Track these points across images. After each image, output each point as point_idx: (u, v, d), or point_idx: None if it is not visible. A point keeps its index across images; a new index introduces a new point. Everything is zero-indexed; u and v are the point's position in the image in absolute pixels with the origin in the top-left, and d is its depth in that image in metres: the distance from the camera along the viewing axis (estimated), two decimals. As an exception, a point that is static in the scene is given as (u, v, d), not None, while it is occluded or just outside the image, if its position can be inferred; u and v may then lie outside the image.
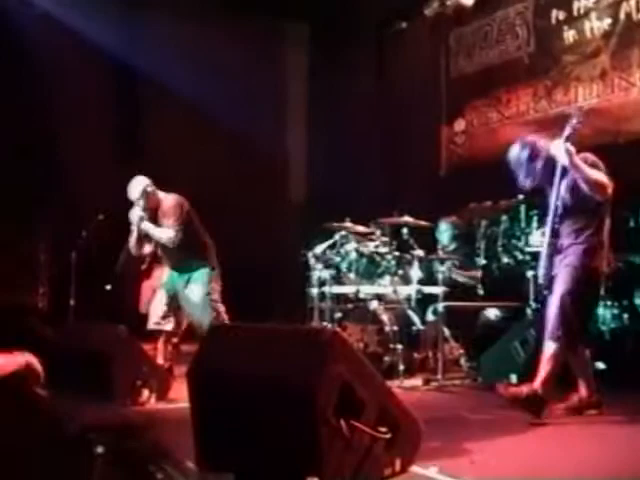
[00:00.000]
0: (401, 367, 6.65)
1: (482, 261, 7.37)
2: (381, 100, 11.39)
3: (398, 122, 11.03)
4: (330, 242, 7.60)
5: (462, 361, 7.03)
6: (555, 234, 5.04)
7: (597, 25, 8.62)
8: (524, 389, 4.89)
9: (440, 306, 6.87)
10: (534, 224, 7.03)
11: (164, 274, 9.02)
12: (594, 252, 5.02)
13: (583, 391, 5.14)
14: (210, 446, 3.41)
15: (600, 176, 4.94)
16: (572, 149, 4.93)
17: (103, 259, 10.40)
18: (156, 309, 6.91)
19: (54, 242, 9.50)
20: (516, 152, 5.29)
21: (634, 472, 3.74)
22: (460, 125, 10.32)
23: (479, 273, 7.50)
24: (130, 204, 7.03)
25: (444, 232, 8.00)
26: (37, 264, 9.64)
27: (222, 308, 6.72)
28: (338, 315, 7.29)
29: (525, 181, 5.28)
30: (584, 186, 4.92)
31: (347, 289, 7.45)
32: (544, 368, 4.94)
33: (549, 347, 4.97)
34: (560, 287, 4.99)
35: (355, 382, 3.17)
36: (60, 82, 10.21)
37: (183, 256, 6.93)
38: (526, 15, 9.49)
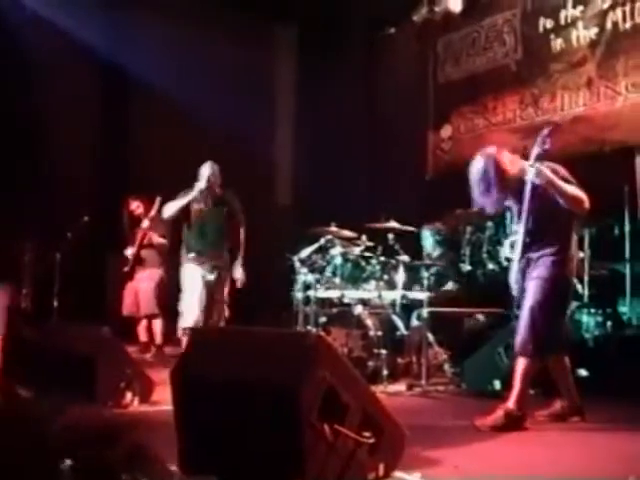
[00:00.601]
0: (385, 372, 6.65)
1: (467, 267, 7.38)
2: (368, 105, 11.42)
3: (385, 127, 11.06)
4: (316, 246, 7.60)
5: (446, 367, 7.03)
6: (526, 249, 5.02)
7: (584, 34, 8.67)
8: (499, 413, 4.88)
9: (424, 311, 6.88)
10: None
11: (147, 276, 9.04)
12: (563, 263, 5.02)
13: (566, 399, 5.16)
14: (193, 449, 3.40)
15: (577, 191, 4.92)
16: (544, 169, 4.87)
17: (87, 260, 10.42)
18: (193, 307, 7.43)
19: (38, 243, 9.45)
20: (478, 167, 5.14)
21: (615, 477, 3.75)
22: (447, 131, 10.35)
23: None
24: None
25: (427, 239, 8.00)
26: (21, 264, 9.59)
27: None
28: (323, 319, 7.28)
29: (484, 201, 5.20)
30: (562, 201, 4.91)
31: (332, 293, 7.45)
32: (517, 386, 4.96)
33: (521, 363, 4.98)
34: (529, 299, 4.99)
35: (339, 386, 3.17)
36: (46, 83, 10.18)
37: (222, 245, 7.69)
38: (514, 23, 9.54)
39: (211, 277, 7.52)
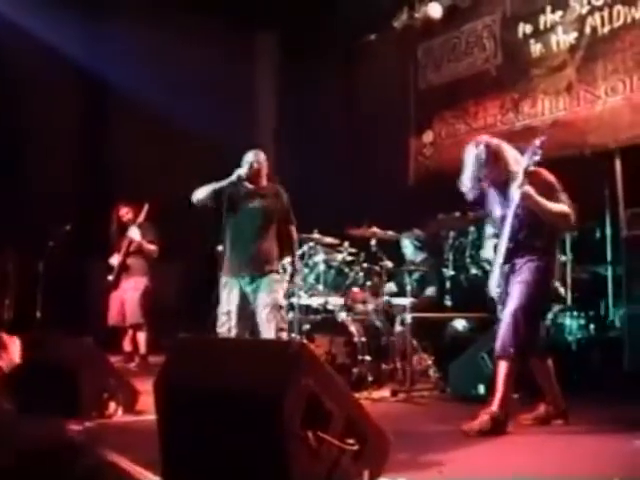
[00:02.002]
0: (369, 378, 6.66)
1: (450, 272, 7.40)
2: (350, 111, 11.44)
3: (367, 133, 11.08)
4: (298, 253, 7.60)
5: (430, 372, 7.04)
6: (510, 255, 5.03)
7: (563, 39, 8.73)
8: (485, 418, 4.88)
9: (408, 317, 6.89)
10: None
11: (132, 285, 9.00)
12: (547, 268, 5.05)
13: (550, 402, 5.18)
14: (177, 459, 3.38)
15: (561, 208, 4.95)
16: (532, 193, 4.87)
17: (70, 269, 10.38)
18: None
19: (20, 252, 9.40)
20: (475, 152, 5.19)
21: (600, 478, 3.76)
22: (428, 137, 10.39)
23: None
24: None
25: (407, 247, 8.04)
26: (3, 274, 9.55)
27: None
28: (306, 327, 7.28)
29: (470, 187, 5.21)
30: (548, 220, 4.95)
31: (315, 300, 7.45)
32: (499, 389, 4.98)
33: (502, 366, 5.00)
34: (512, 303, 5.00)
35: (322, 394, 3.17)
36: (27, 94, 10.16)
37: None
38: (493, 28, 9.59)
39: (249, 290, 6.44)
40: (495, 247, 5.26)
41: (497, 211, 5.22)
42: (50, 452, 2.52)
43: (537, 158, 4.93)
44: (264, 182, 6.75)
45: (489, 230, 5.47)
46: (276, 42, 12.58)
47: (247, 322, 6.44)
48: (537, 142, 4.99)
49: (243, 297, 6.44)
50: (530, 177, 4.93)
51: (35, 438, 2.69)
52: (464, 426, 4.88)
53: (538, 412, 5.21)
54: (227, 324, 6.38)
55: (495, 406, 4.93)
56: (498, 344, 5.02)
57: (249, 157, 6.61)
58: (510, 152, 5.21)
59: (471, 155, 5.20)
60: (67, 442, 2.77)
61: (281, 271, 6.68)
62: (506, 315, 5.02)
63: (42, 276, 8.79)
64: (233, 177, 6.48)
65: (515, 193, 4.90)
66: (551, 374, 5.21)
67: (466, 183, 5.22)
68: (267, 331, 6.31)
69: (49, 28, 9.83)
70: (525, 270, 5.03)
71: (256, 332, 6.44)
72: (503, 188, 5.14)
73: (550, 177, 5.10)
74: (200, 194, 6.58)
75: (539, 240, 5.05)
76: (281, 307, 6.46)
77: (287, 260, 6.89)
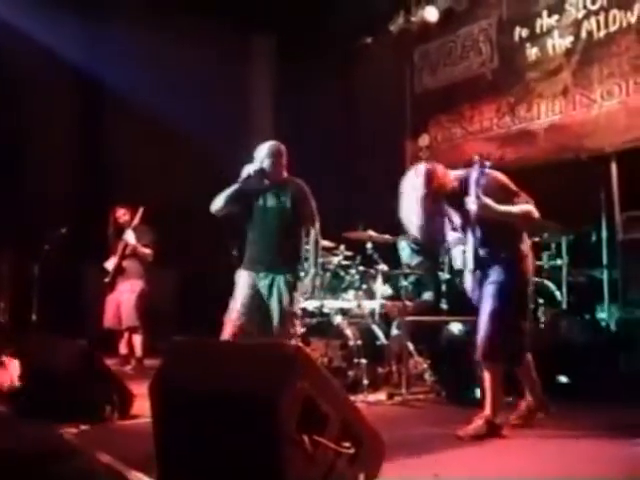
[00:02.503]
0: (365, 382, 6.65)
1: (446, 276, 7.40)
2: (346, 114, 11.44)
3: (363, 136, 11.09)
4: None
5: (426, 375, 7.03)
6: (479, 261, 5.00)
7: (559, 43, 8.75)
8: (479, 422, 4.90)
9: (404, 320, 6.88)
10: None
11: (129, 288, 9.00)
12: (518, 265, 5.04)
13: (530, 397, 5.22)
14: (173, 462, 3.38)
15: (522, 208, 4.92)
16: (488, 202, 4.81)
17: (66, 272, 10.36)
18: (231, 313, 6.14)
19: (16, 255, 9.39)
20: (414, 183, 5.15)
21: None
22: (424, 140, 10.40)
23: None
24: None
25: (404, 249, 8.03)
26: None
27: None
28: (302, 330, 7.27)
29: (420, 231, 5.19)
30: (512, 222, 4.95)
31: (311, 303, 7.44)
32: (488, 393, 5.00)
33: (486, 370, 5.02)
34: (487, 306, 5.00)
35: (318, 397, 3.16)
36: (24, 96, 10.15)
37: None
38: (490, 32, 9.60)
39: (263, 285, 6.09)
40: (464, 253, 5.22)
41: (456, 220, 5.18)
42: (45, 455, 2.51)
43: (483, 182, 4.85)
44: (281, 177, 6.36)
45: (454, 237, 5.45)
46: (273, 44, 12.59)
47: (256, 316, 6.05)
48: (476, 172, 4.88)
49: (256, 291, 6.08)
50: (484, 184, 4.88)
51: (30, 441, 2.68)
52: (459, 431, 4.88)
53: (520, 410, 5.23)
54: (235, 315, 6.01)
55: (488, 410, 4.95)
56: (478, 348, 5.02)
57: (260, 152, 6.25)
58: (440, 170, 5.10)
59: (408, 188, 5.19)
60: (62, 445, 2.76)
61: (302, 274, 6.22)
62: (482, 317, 5.03)
63: (38, 279, 8.78)
64: (243, 176, 6.11)
65: (471, 206, 4.84)
66: (531, 368, 5.20)
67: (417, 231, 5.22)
68: (277, 335, 6.02)
69: (47, 29, 9.81)
70: (496, 271, 5.02)
71: (266, 328, 6.07)
72: (453, 198, 5.07)
73: (503, 179, 5.06)
74: (217, 203, 6.14)
75: (504, 241, 5.04)
76: (293, 313, 6.13)
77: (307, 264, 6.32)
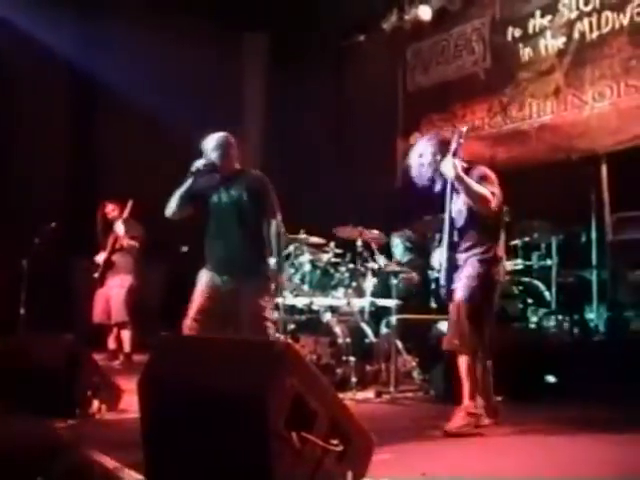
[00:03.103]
0: (354, 379, 6.65)
1: (435, 274, 7.40)
2: (338, 112, 11.44)
3: (355, 134, 11.09)
4: (284, 253, 7.59)
5: (415, 374, 7.04)
6: (453, 247, 5.11)
7: (552, 43, 8.76)
8: (460, 414, 4.96)
9: (393, 319, 6.89)
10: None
11: (118, 283, 8.98)
12: (490, 263, 5.09)
13: (480, 401, 5.17)
14: (160, 458, 3.38)
15: (483, 190, 4.98)
16: (458, 163, 4.98)
17: (55, 267, 10.33)
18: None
19: (5, 249, 9.35)
20: (426, 143, 5.38)
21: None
22: (416, 139, 10.37)
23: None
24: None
25: (396, 246, 8.04)
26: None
27: None
28: (291, 327, 7.27)
29: (420, 177, 5.36)
30: (467, 199, 5.01)
31: (300, 301, 7.44)
32: (464, 384, 5.05)
33: (458, 362, 5.07)
34: (457, 298, 5.07)
35: (307, 394, 3.16)
36: (13, 92, 10.10)
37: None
38: (483, 31, 9.61)
39: (226, 291, 5.62)
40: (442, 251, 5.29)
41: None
42: (36, 449, 2.51)
43: (462, 140, 5.08)
44: (233, 169, 5.89)
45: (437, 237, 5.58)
46: (265, 42, 12.57)
47: (214, 322, 5.55)
48: (461, 130, 5.20)
49: (218, 296, 5.62)
50: (469, 170, 5.08)
51: (20, 435, 2.68)
52: (445, 427, 4.93)
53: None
54: (189, 322, 5.56)
55: (466, 400, 5.01)
56: (445, 339, 5.15)
57: (207, 145, 5.85)
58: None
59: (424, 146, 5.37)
60: (57, 441, 2.76)
61: (272, 273, 5.70)
62: (451, 310, 5.12)
63: (27, 273, 8.75)
64: (192, 172, 5.63)
65: (444, 165, 5.02)
66: (489, 374, 5.22)
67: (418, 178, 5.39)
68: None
69: (41, 27, 9.80)
70: (468, 264, 5.09)
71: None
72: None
73: (487, 171, 5.18)
74: (171, 206, 5.72)
75: (481, 236, 5.10)
76: (264, 318, 5.61)
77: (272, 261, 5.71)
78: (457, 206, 5.12)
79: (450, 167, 4.96)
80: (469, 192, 4.97)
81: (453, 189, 5.07)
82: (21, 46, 9.73)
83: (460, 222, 5.12)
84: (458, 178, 4.95)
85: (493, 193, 5.01)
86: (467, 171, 5.05)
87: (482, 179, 5.06)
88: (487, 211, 5.02)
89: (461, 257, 5.13)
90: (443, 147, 5.20)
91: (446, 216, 5.12)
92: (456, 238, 5.10)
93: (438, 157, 5.18)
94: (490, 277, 5.10)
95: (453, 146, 5.06)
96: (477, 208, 5.02)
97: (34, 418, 4.69)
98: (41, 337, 6.07)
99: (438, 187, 5.25)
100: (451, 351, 5.12)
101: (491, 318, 5.14)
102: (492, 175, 5.16)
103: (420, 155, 5.32)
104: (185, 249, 8.86)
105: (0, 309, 9.27)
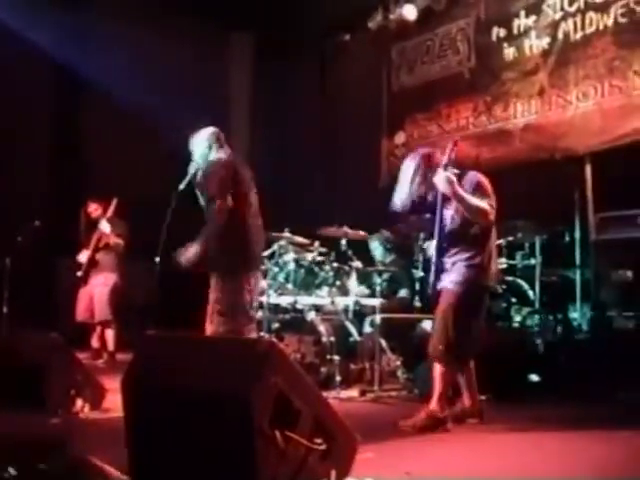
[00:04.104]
0: (338, 378, 6.66)
1: (420, 273, 7.42)
2: (323, 111, 11.43)
3: (340, 133, 11.09)
4: (269, 252, 7.58)
5: (399, 373, 7.05)
6: (442, 253, 5.12)
7: (536, 43, 8.79)
8: (421, 415, 5.03)
9: (377, 318, 6.90)
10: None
11: (102, 281, 8.95)
12: (479, 269, 5.11)
13: (467, 401, 5.27)
14: (144, 457, 3.37)
15: (481, 204, 5.00)
16: (453, 177, 4.96)
17: (38, 265, 10.29)
18: None
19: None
20: (410, 163, 5.32)
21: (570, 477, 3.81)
22: (400, 138, 10.41)
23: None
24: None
25: (376, 248, 8.02)
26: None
27: None
28: (275, 325, 7.27)
29: (401, 200, 5.30)
30: (466, 214, 5.02)
31: (285, 299, 7.44)
32: (436, 388, 5.11)
33: (437, 366, 5.13)
34: (443, 303, 5.10)
35: (291, 393, 3.16)
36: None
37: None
38: (467, 31, 9.63)
39: None
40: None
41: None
42: (35, 449, 2.51)
43: (453, 155, 5.04)
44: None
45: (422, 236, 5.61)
46: (251, 41, 12.54)
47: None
48: (455, 139, 5.25)
49: None
50: (462, 177, 5.07)
51: (21, 434, 2.68)
52: (401, 422, 5.02)
53: (453, 410, 5.27)
54: None
55: (432, 404, 5.07)
56: (430, 344, 5.14)
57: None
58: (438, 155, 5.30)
59: (410, 167, 5.29)
60: (52, 440, 2.75)
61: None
62: (437, 315, 5.14)
63: (10, 271, 8.71)
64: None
65: (438, 179, 4.99)
66: (472, 374, 5.27)
67: (398, 201, 5.32)
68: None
69: (24, 23, 9.74)
70: (455, 271, 5.11)
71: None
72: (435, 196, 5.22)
73: (481, 179, 5.17)
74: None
75: (469, 241, 5.11)
76: (220, 312, 5.76)
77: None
78: (449, 212, 5.12)
79: (445, 182, 4.93)
80: (468, 208, 4.98)
81: (444, 196, 5.05)
82: (3, 43, 9.66)
83: (450, 227, 5.12)
84: (456, 195, 4.94)
85: (491, 205, 5.03)
86: (459, 178, 5.03)
87: (477, 189, 5.05)
88: (486, 224, 5.05)
89: (448, 261, 5.14)
90: (429, 161, 5.21)
91: (436, 222, 5.10)
92: (445, 241, 5.10)
93: (429, 174, 5.15)
94: (477, 283, 5.12)
95: (445, 159, 5.03)
96: (475, 221, 5.04)
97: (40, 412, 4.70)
98: (24, 335, 6.05)
99: (430, 198, 5.23)
100: (435, 358, 5.13)
101: (478, 323, 5.16)
102: (485, 181, 5.15)
103: (412, 181, 5.24)
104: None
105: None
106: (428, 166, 5.18)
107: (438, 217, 5.10)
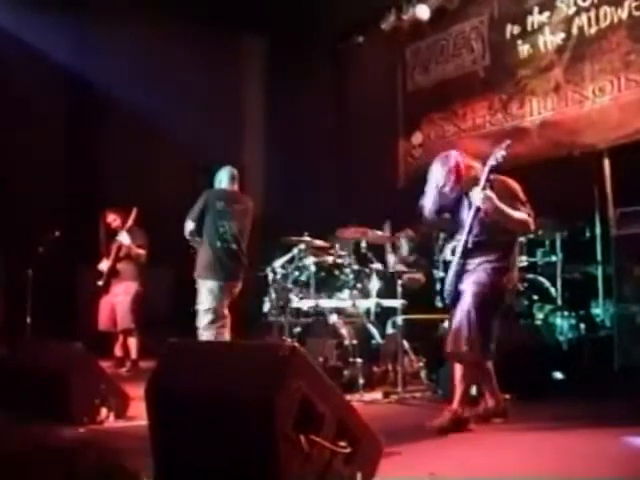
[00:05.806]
0: (361, 381, 6.65)
1: (440, 274, 7.40)
2: (339, 113, 11.43)
3: (356, 135, 11.07)
4: (289, 256, 7.59)
5: (422, 374, 7.05)
6: (467, 254, 5.09)
7: (551, 39, 8.74)
8: (446, 415, 5.03)
9: (399, 319, 6.89)
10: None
11: (123, 290, 8.98)
12: (503, 272, 5.11)
13: (490, 401, 5.26)
14: (169, 464, 3.38)
15: (522, 216, 5.01)
16: (491, 194, 4.93)
17: (60, 275, 10.34)
18: None
19: (10, 259, 9.36)
20: (439, 167, 5.30)
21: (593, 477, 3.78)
22: (417, 138, 10.39)
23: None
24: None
25: (402, 247, 8.01)
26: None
27: None
28: (297, 329, 7.27)
29: (431, 208, 5.32)
30: (508, 226, 5.01)
31: (306, 303, 7.44)
32: (459, 388, 5.13)
33: (457, 365, 5.17)
34: (466, 303, 5.07)
35: (314, 397, 3.16)
36: (10, 97, 10.09)
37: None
38: (481, 29, 9.59)
39: None
40: (453, 249, 5.27)
41: (464, 214, 5.23)
42: (65, 450, 2.52)
43: (501, 160, 4.99)
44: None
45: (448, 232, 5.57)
46: (264, 44, 12.58)
47: None
48: (503, 145, 5.08)
49: None
50: (494, 184, 5.02)
51: (51, 437, 2.70)
52: (427, 423, 5.03)
53: (476, 410, 5.28)
54: None
55: (456, 404, 5.08)
56: (450, 344, 5.11)
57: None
58: (465, 161, 5.28)
59: (439, 168, 5.29)
60: (82, 441, 2.77)
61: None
62: (459, 315, 5.09)
63: (32, 282, 8.76)
64: None
65: (476, 196, 4.96)
66: (492, 376, 5.25)
67: (429, 209, 5.33)
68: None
69: (36, 30, 9.79)
70: (480, 270, 5.10)
71: None
72: (463, 197, 5.24)
73: (514, 185, 5.17)
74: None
75: (497, 243, 5.10)
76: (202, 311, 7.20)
77: None
78: (475, 226, 5.07)
79: (485, 200, 4.91)
80: (510, 222, 4.99)
81: (473, 209, 5.02)
82: (13, 49, 9.71)
83: (478, 230, 5.07)
84: (497, 211, 4.92)
85: (529, 214, 5.03)
86: (490, 185, 4.99)
87: (514, 199, 5.04)
88: (528, 233, 5.05)
89: (473, 262, 5.11)
90: (459, 172, 5.18)
91: (466, 224, 5.07)
92: (470, 245, 5.07)
93: (459, 185, 5.17)
94: (501, 286, 5.11)
95: (485, 177, 4.98)
96: (516, 232, 5.07)
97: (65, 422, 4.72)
98: (48, 345, 6.08)
99: (465, 204, 5.22)
100: (455, 356, 5.12)
101: (495, 322, 5.14)
102: (518, 188, 5.14)
103: (438, 185, 5.24)
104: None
105: (6, 318, 9.30)
106: (458, 175, 5.17)
107: (468, 226, 5.05)
